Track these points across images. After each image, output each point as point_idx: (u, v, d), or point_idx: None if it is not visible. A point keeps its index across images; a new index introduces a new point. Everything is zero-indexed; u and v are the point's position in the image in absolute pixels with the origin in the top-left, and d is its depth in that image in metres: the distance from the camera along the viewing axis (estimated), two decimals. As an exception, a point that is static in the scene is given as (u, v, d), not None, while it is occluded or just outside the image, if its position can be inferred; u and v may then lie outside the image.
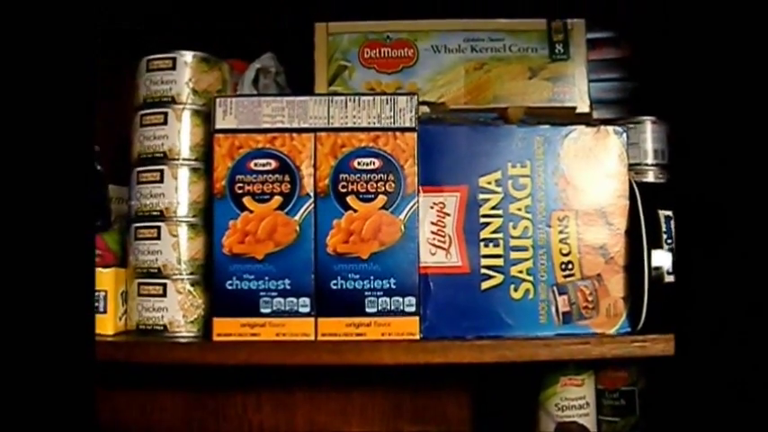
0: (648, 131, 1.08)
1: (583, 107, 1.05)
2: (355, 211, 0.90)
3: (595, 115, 1.11)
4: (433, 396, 1.24)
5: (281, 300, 0.90)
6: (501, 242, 0.92)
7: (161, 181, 0.95)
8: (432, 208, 0.92)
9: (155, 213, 0.94)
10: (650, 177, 1.07)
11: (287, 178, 0.91)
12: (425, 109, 1.01)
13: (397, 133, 0.91)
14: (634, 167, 1.05)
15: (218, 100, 0.93)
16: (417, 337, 0.90)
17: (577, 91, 1.06)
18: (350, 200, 0.90)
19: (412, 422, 1.23)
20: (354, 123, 0.91)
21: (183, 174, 0.95)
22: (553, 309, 0.92)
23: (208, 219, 0.93)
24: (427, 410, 1.24)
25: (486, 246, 0.92)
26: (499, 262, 0.92)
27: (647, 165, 1.07)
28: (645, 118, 1.08)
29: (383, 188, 0.90)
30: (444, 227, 0.92)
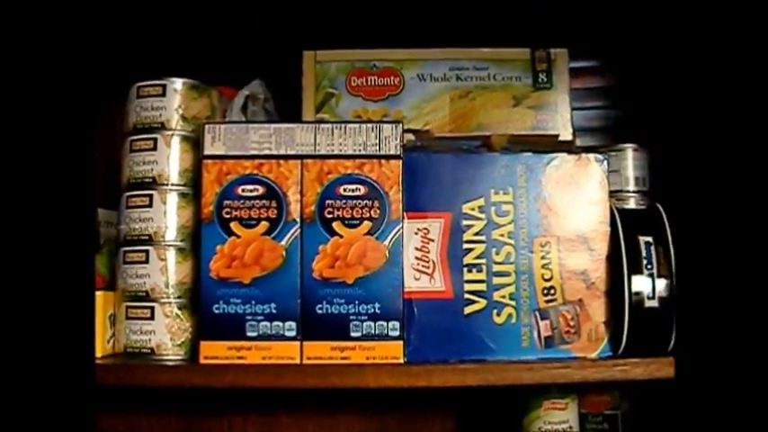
0: (630, 159, 1.09)
1: (565, 135, 1.07)
2: (341, 236, 0.91)
3: (578, 143, 1.13)
4: (419, 419, 1.24)
5: (268, 323, 0.91)
6: (484, 267, 0.93)
7: (150, 206, 0.96)
8: (416, 234, 0.94)
9: (143, 237, 0.96)
10: (631, 204, 1.08)
11: (274, 204, 0.92)
12: (410, 137, 1.03)
13: (383, 161, 0.93)
14: (615, 194, 1.07)
15: (206, 126, 0.94)
16: (401, 360, 0.91)
17: (560, 119, 1.08)
18: (335, 225, 0.92)
19: (397, 445, 1.24)
20: (340, 150, 0.93)
21: (172, 199, 0.96)
22: (535, 333, 0.93)
23: (196, 243, 0.95)
24: (413, 434, 1.25)
25: (470, 271, 0.93)
26: (482, 287, 0.93)
27: (628, 191, 1.09)
28: (626, 145, 1.10)
29: (368, 214, 0.92)
30: (428, 252, 0.94)
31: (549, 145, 1.03)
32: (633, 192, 1.09)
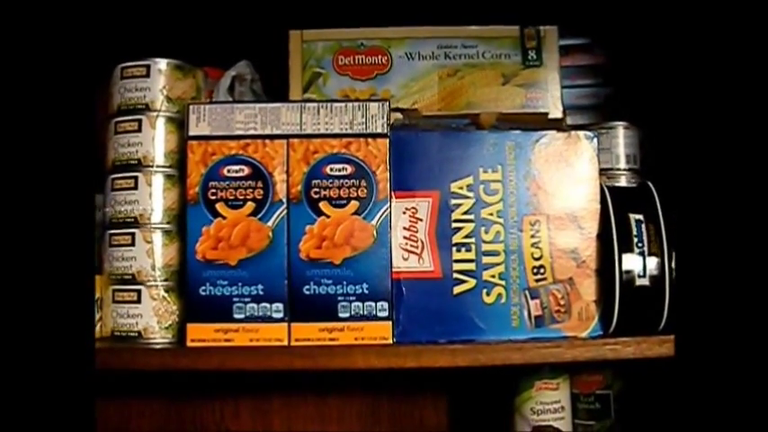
0: (621, 136, 1.09)
1: (555, 113, 1.06)
2: (328, 216, 0.91)
3: (570, 121, 1.12)
4: (410, 401, 1.24)
5: (255, 305, 0.90)
6: (473, 247, 0.93)
7: (135, 188, 0.95)
8: (404, 213, 0.93)
9: (129, 220, 0.95)
10: (623, 182, 1.08)
11: (260, 184, 0.91)
12: (398, 115, 1.02)
13: (369, 139, 0.92)
14: (606, 172, 1.06)
15: (191, 107, 0.93)
16: (390, 341, 0.90)
17: (550, 97, 1.07)
18: (322, 206, 0.91)
19: (389, 427, 1.23)
20: (327, 130, 0.92)
21: (158, 180, 0.95)
22: (525, 313, 0.93)
23: (182, 225, 0.94)
24: (404, 415, 1.24)
25: (459, 251, 0.92)
26: (471, 267, 0.92)
27: (619, 169, 1.08)
28: (617, 123, 1.09)
29: (355, 194, 0.91)
30: (416, 232, 0.93)
31: (538, 123, 1.02)
32: (624, 169, 1.09)
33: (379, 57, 1.08)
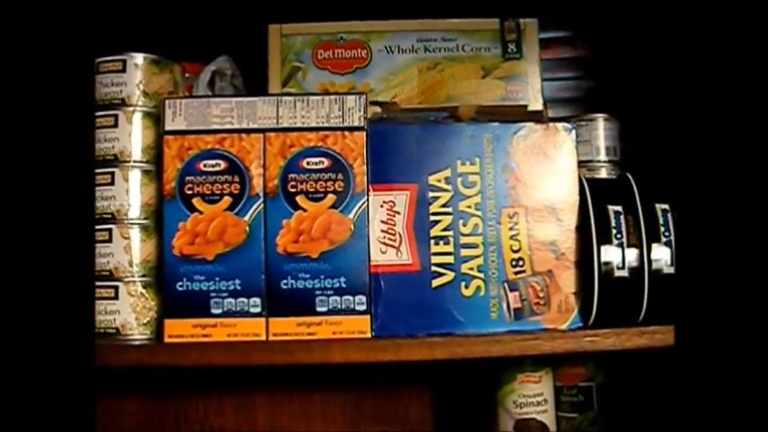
0: (601, 128, 1.08)
1: (535, 105, 1.05)
2: (305, 210, 0.90)
3: (551, 114, 1.12)
4: (395, 396, 1.24)
5: (232, 300, 0.90)
6: (451, 240, 0.92)
7: (112, 183, 0.94)
8: (382, 206, 0.92)
9: (106, 216, 0.94)
10: (603, 174, 1.07)
11: (236, 179, 0.91)
12: (377, 109, 1.02)
13: (346, 133, 0.91)
14: (587, 164, 1.06)
15: (167, 101, 0.93)
16: (369, 335, 0.90)
17: (530, 89, 1.07)
18: (299, 199, 0.90)
19: (374, 422, 1.23)
20: (303, 123, 0.92)
21: (135, 176, 0.95)
22: (504, 305, 0.92)
23: (159, 221, 0.93)
24: (389, 411, 1.24)
25: (437, 243, 0.92)
26: (450, 259, 0.92)
27: (599, 161, 1.08)
28: (597, 115, 1.09)
29: (332, 187, 0.90)
30: (394, 225, 0.92)
31: (517, 115, 1.01)
32: (605, 162, 1.08)
33: (359, 50, 1.08)
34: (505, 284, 0.92)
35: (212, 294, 0.90)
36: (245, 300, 0.90)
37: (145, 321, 0.94)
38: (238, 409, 1.24)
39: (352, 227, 0.90)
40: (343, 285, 0.90)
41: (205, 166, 0.91)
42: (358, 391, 1.23)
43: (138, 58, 0.97)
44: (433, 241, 0.92)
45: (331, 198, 0.90)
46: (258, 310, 0.90)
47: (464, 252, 0.92)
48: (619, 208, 0.92)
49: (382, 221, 0.92)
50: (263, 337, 0.90)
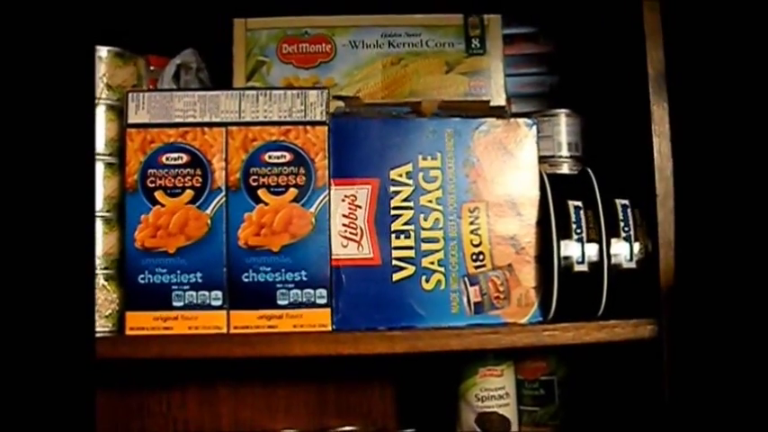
0: (563, 124, 1.09)
1: (498, 101, 1.06)
2: (266, 204, 0.91)
3: (515, 109, 1.12)
4: (358, 390, 1.24)
5: (194, 293, 0.90)
6: (412, 234, 0.93)
7: (75, 176, 0.94)
8: (343, 201, 0.93)
9: (68, 208, 0.94)
10: (564, 169, 1.08)
11: (198, 172, 0.91)
12: (339, 103, 1.02)
13: (308, 127, 0.92)
14: (548, 160, 1.07)
15: (130, 95, 0.93)
16: (329, 328, 0.91)
17: (493, 85, 1.07)
18: (261, 193, 0.91)
19: (337, 417, 1.23)
20: (265, 117, 0.92)
21: (98, 169, 0.95)
22: (465, 299, 0.93)
23: (122, 213, 0.93)
24: (352, 405, 1.24)
25: (398, 238, 0.93)
26: (410, 254, 0.93)
27: (561, 157, 1.08)
28: (559, 111, 1.09)
29: (294, 181, 0.91)
30: (356, 219, 0.93)
31: (480, 110, 1.02)
32: (566, 157, 1.09)
33: (323, 45, 1.08)
34: (466, 279, 0.93)
35: (174, 287, 0.90)
36: (206, 293, 0.90)
37: (106, 314, 0.94)
38: (202, 402, 1.24)
39: (313, 220, 0.91)
40: (305, 279, 0.90)
41: (167, 159, 0.91)
42: (321, 385, 1.23)
43: (102, 51, 0.97)
44: (394, 235, 0.93)
45: (292, 192, 0.91)
46: (219, 303, 0.90)
47: (425, 246, 0.93)
48: (579, 203, 0.93)
49: (344, 215, 0.93)
50: (225, 330, 0.90)
